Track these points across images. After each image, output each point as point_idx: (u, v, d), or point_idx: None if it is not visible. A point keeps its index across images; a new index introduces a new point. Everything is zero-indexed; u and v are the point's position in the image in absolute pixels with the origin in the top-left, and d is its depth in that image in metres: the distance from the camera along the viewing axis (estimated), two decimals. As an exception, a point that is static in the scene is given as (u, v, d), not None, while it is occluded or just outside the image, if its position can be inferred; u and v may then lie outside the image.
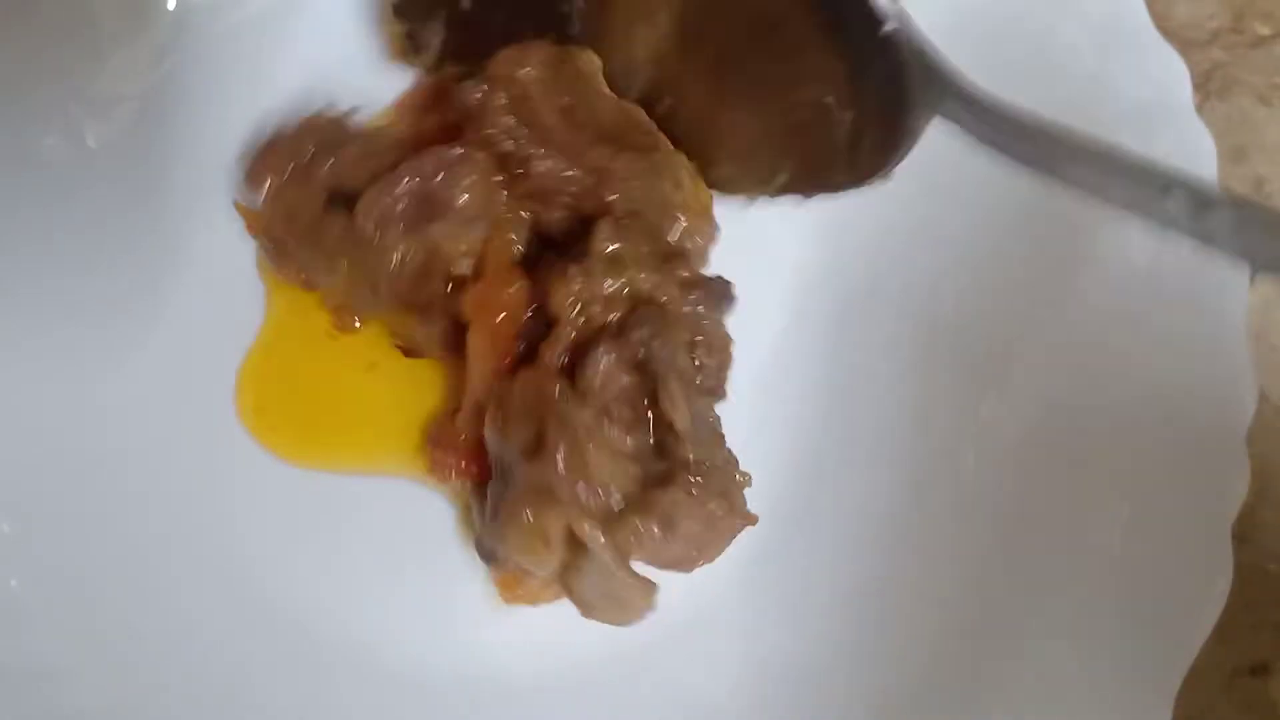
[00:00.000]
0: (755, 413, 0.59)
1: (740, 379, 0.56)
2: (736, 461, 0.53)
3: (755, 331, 0.57)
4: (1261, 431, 0.61)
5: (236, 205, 0.59)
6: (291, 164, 0.57)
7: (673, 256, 0.53)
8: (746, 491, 0.53)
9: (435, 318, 0.55)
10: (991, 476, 0.57)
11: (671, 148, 0.56)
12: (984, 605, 0.55)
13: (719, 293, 0.54)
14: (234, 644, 0.56)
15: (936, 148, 0.50)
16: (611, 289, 0.51)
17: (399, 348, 0.60)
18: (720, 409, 0.55)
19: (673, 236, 0.54)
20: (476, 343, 0.53)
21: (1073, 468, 0.55)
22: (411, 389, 0.60)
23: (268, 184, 0.57)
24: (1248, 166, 0.64)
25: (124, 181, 0.58)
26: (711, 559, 0.52)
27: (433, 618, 0.58)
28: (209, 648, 0.56)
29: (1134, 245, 0.55)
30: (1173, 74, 0.56)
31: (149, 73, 0.59)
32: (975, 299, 0.59)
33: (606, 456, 0.49)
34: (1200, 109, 0.64)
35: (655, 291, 0.52)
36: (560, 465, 0.48)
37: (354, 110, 0.60)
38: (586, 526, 0.48)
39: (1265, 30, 0.66)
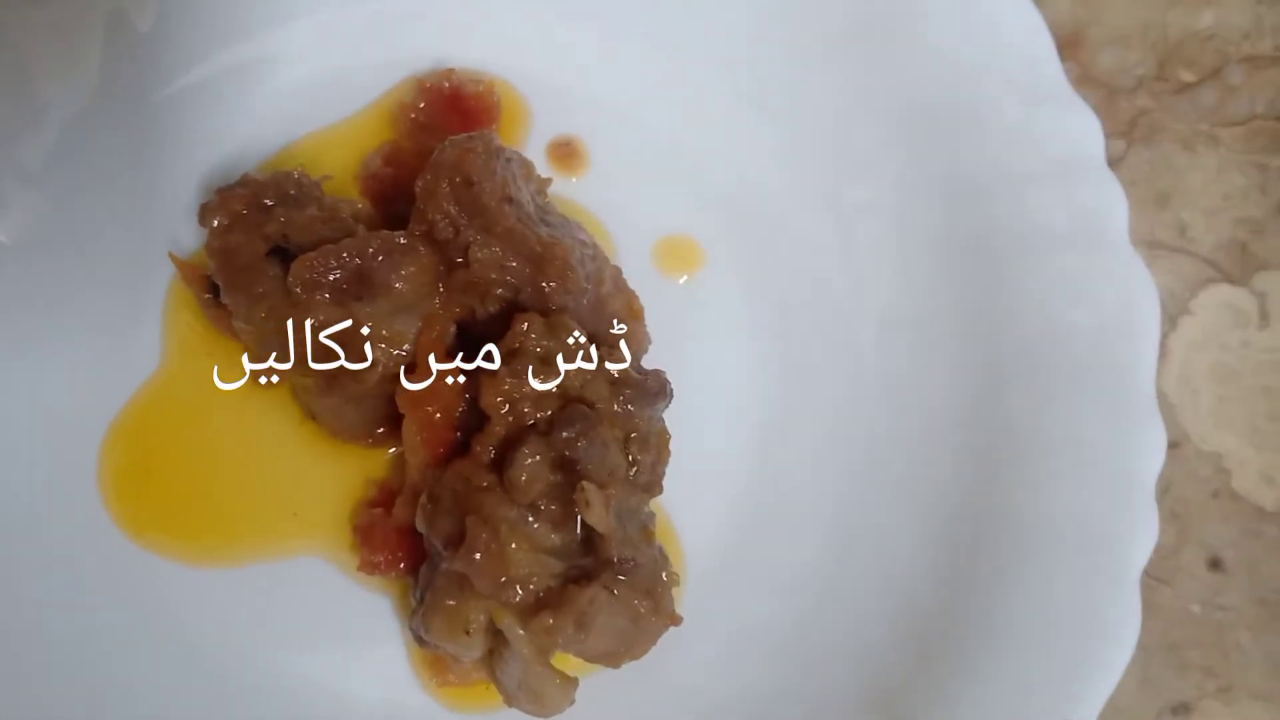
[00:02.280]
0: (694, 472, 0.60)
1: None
2: (667, 559, 0.54)
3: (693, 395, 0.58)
4: (1185, 475, 0.62)
5: (171, 255, 0.59)
6: (245, 209, 0.57)
7: (606, 352, 0.54)
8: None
9: (338, 392, 0.55)
10: (909, 540, 0.58)
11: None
12: (908, 651, 0.56)
13: (654, 389, 0.54)
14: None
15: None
16: (542, 387, 0.52)
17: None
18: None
19: (606, 336, 0.55)
20: (411, 435, 0.54)
21: (987, 524, 0.56)
22: (316, 463, 0.60)
23: (216, 222, 0.57)
24: (1171, 212, 0.65)
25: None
26: (638, 656, 0.53)
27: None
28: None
29: (1049, 301, 0.56)
30: (1088, 130, 0.56)
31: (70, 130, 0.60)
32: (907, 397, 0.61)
33: (528, 551, 0.49)
34: (1125, 155, 0.66)
35: (585, 390, 0.52)
36: (478, 558, 0.49)
37: (325, 178, 0.61)
38: (505, 619, 0.49)
39: (1189, 77, 0.67)
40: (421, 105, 0.65)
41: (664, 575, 0.53)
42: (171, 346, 0.61)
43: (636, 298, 0.59)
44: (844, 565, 0.58)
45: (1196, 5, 0.67)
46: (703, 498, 0.60)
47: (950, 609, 0.55)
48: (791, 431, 0.61)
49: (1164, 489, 0.57)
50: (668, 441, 0.55)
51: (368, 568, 0.56)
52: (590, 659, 0.52)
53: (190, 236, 0.62)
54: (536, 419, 0.52)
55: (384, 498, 0.58)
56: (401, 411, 0.54)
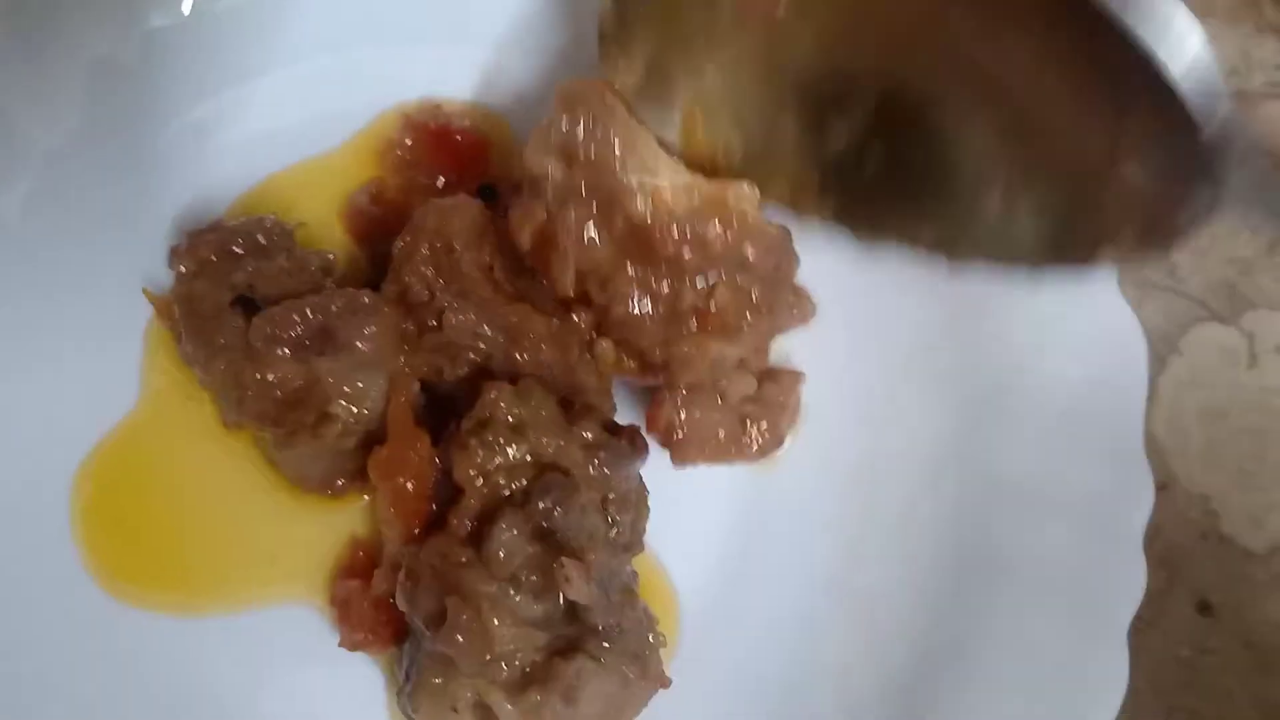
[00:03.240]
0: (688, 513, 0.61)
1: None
2: (653, 618, 0.54)
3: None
4: (1173, 517, 0.62)
5: (146, 293, 0.59)
6: (214, 255, 0.57)
7: (577, 418, 0.53)
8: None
9: (298, 446, 0.55)
10: (896, 588, 0.58)
11: (580, 320, 0.56)
12: (894, 698, 0.56)
13: (628, 449, 0.54)
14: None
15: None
16: (515, 457, 0.51)
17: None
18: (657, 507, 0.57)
19: (578, 398, 0.55)
20: (384, 508, 0.53)
21: (974, 574, 0.56)
22: (295, 507, 0.59)
23: (183, 268, 0.57)
24: (1160, 251, 0.65)
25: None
26: None
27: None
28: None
29: (1037, 349, 0.56)
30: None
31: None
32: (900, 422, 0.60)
33: (511, 626, 0.49)
34: (1114, 193, 0.65)
35: (559, 457, 0.52)
36: (460, 637, 0.48)
37: (299, 224, 0.60)
38: (493, 696, 0.49)
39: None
40: (408, 142, 0.65)
41: (650, 638, 0.53)
42: (149, 386, 0.61)
43: (613, 359, 0.57)
44: (831, 616, 0.58)
45: (1185, 42, 0.67)
46: (692, 545, 0.60)
47: (937, 658, 0.55)
48: (779, 480, 0.61)
49: (1153, 531, 0.56)
50: (646, 498, 0.55)
51: (349, 645, 0.56)
52: None
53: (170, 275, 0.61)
54: (512, 489, 0.51)
55: (360, 566, 0.58)
56: (374, 483, 0.53)
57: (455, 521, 0.51)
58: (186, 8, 0.61)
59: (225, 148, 0.64)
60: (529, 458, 0.52)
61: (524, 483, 0.51)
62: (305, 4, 0.63)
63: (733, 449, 0.58)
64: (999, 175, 0.48)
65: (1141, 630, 0.60)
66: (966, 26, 0.44)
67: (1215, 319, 0.64)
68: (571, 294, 0.54)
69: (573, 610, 0.50)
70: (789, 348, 0.62)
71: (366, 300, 0.54)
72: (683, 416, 0.55)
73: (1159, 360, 0.64)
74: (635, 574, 0.55)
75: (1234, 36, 0.68)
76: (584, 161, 0.54)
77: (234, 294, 0.56)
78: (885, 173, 0.51)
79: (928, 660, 0.55)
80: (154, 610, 0.59)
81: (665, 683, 0.52)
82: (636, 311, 0.54)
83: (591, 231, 0.53)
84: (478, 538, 0.50)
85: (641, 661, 0.51)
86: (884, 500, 0.59)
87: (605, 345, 0.56)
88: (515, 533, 0.50)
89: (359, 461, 0.56)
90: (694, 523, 0.61)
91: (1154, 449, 0.62)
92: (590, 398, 0.56)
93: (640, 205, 0.54)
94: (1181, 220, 0.44)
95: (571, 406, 0.54)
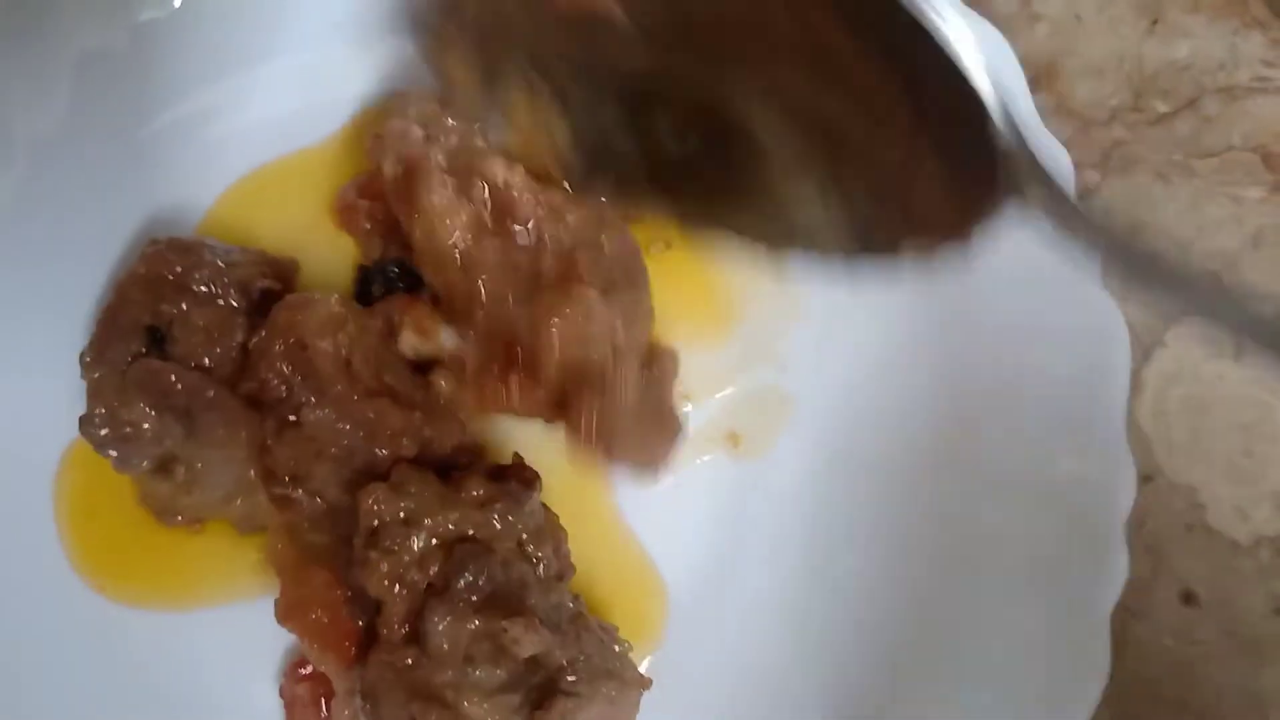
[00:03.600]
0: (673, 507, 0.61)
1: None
2: (613, 630, 0.55)
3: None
4: (1159, 508, 0.62)
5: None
6: (167, 274, 0.57)
7: (460, 482, 0.53)
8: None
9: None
10: (882, 577, 0.58)
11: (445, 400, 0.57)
12: (879, 687, 0.56)
13: (518, 487, 0.54)
14: None
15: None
16: (419, 549, 0.51)
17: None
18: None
19: (456, 460, 0.55)
20: (309, 649, 0.53)
21: (959, 562, 0.56)
22: None
23: (141, 270, 0.58)
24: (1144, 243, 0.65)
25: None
26: None
27: None
28: None
29: (1020, 339, 0.56)
30: (1057, 164, 0.57)
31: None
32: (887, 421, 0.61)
33: (481, 702, 0.49)
34: (1100, 187, 0.66)
35: (460, 527, 0.52)
36: None
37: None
38: None
39: (1164, 108, 0.67)
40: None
41: (616, 649, 0.53)
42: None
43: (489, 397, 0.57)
44: (816, 604, 0.58)
45: (1172, 36, 0.67)
46: (679, 537, 0.61)
47: (921, 646, 0.55)
48: (765, 472, 0.61)
49: (1138, 523, 0.57)
50: (556, 521, 0.55)
51: None
52: None
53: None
54: (430, 578, 0.51)
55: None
56: (288, 629, 0.53)
57: (386, 631, 0.50)
58: (177, 1, 0.62)
59: (213, 140, 0.64)
60: (433, 542, 0.51)
61: (437, 567, 0.51)
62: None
63: (654, 441, 0.57)
64: (810, 173, 0.49)
65: (1127, 621, 0.61)
66: (777, 32, 0.45)
67: (1201, 312, 0.65)
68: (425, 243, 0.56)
69: (534, 660, 0.50)
70: (774, 339, 0.63)
71: (211, 394, 0.55)
72: (599, 422, 0.54)
73: (1144, 353, 0.64)
74: (578, 597, 0.55)
75: (1221, 32, 0.68)
76: (443, 136, 0.57)
77: (152, 321, 0.57)
78: (705, 167, 0.52)
79: (912, 648, 0.56)
80: (140, 605, 0.59)
81: (646, 684, 0.53)
82: (499, 279, 0.55)
83: (449, 196, 0.55)
84: (415, 635, 0.50)
85: (617, 676, 0.52)
86: (868, 490, 0.59)
87: (463, 393, 0.56)
88: (450, 619, 0.49)
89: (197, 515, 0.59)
90: (680, 516, 0.62)
91: (1139, 441, 0.62)
92: (462, 451, 0.56)
93: (499, 171, 0.56)
94: (978, 221, 0.45)
95: (449, 473, 0.54)
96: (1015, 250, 0.57)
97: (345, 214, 0.64)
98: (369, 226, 0.64)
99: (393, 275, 0.62)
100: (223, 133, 0.64)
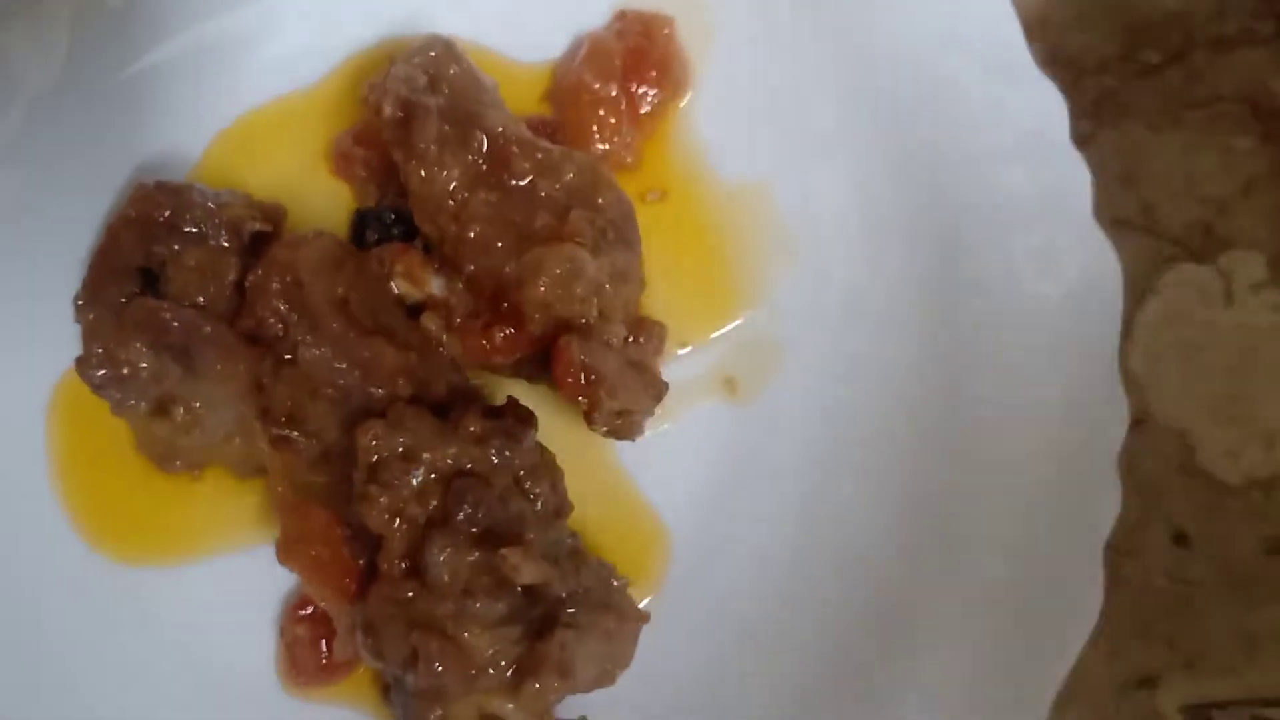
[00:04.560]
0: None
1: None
2: (610, 567, 0.55)
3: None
4: (1150, 450, 0.63)
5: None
6: (156, 215, 0.58)
7: (457, 419, 0.53)
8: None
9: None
10: (876, 517, 0.59)
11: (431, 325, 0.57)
12: (875, 623, 0.57)
13: (515, 423, 0.54)
14: None
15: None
16: (417, 483, 0.51)
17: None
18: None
19: (451, 396, 0.55)
20: (310, 586, 0.54)
21: (950, 496, 0.57)
22: None
23: (131, 213, 0.58)
24: (1135, 192, 0.66)
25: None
26: (627, 665, 0.53)
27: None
28: None
29: (1013, 276, 0.57)
30: (1053, 107, 0.57)
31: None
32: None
33: (482, 634, 0.49)
34: (1092, 136, 0.66)
35: (458, 461, 0.52)
36: (440, 665, 0.49)
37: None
38: (494, 703, 0.49)
39: (1156, 58, 0.67)
40: (381, 80, 0.64)
41: (614, 583, 0.54)
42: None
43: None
44: (813, 539, 0.59)
45: (1162, -13, 0.68)
46: (679, 484, 0.61)
47: (913, 581, 0.56)
48: (762, 417, 0.62)
49: (1129, 465, 0.57)
50: (553, 459, 0.55)
51: (296, 691, 0.58)
52: (589, 690, 0.52)
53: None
54: (429, 513, 0.51)
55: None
56: (289, 568, 0.54)
57: (387, 565, 0.51)
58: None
59: (204, 82, 0.65)
60: (431, 476, 0.52)
61: (436, 501, 0.51)
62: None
63: (636, 391, 0.57)
64: None
65: (1119, 561, 0.61)
66: None
67: (1192, 259, 0.65)
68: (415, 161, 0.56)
69: (532, 593, 0.51)
70: (767, 283, 0.63)
71: (209, 330, 0.56)
72: (584, 358, 0.54)
73: (1136, 299, 0.64)
74: (575, 534, 0.56)
75: (1210, -17, 0.69)
76: (446, 85, 0.58)
77: (144, 262, 0.57)
78: None
79: (906, 586, 0.56)
80: (141, 562, 0.60)
81: (645, 617, 0.53)
82: (491, 232, 0.56)
83: (447, 145, 0.56)
84: (416, 570, 0.50)
85: (615, 609, 0.52)
86: (862, 430, 0.60)
87: (450, 339, 0.57)
88: (450, 550, 0.50)
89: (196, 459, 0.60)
90: (679, 462, 0.62)
91: (1131, 384, 0.62)
92: (457, 393, 0.56)
93: (498, 124, 0.57)
94: None
95: (446, 410, 0.54)
96: (1007, 180, 0.59)
97: (341, 161, 0.65)
98: (364, 174, 0.64)
99: (388, 221, 0.62)
100: (213, 75, 0.65)
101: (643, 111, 0.64)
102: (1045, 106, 0.57)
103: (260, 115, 0.66)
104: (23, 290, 0.61)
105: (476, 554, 0.50)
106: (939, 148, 0.60)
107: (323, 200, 0.65)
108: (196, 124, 0.65)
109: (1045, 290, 0.56)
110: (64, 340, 0.60)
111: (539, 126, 0.64)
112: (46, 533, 0.60)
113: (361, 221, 0.63)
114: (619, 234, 0.58)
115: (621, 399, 0.55)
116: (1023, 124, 0.57)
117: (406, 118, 0.56)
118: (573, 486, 0.57)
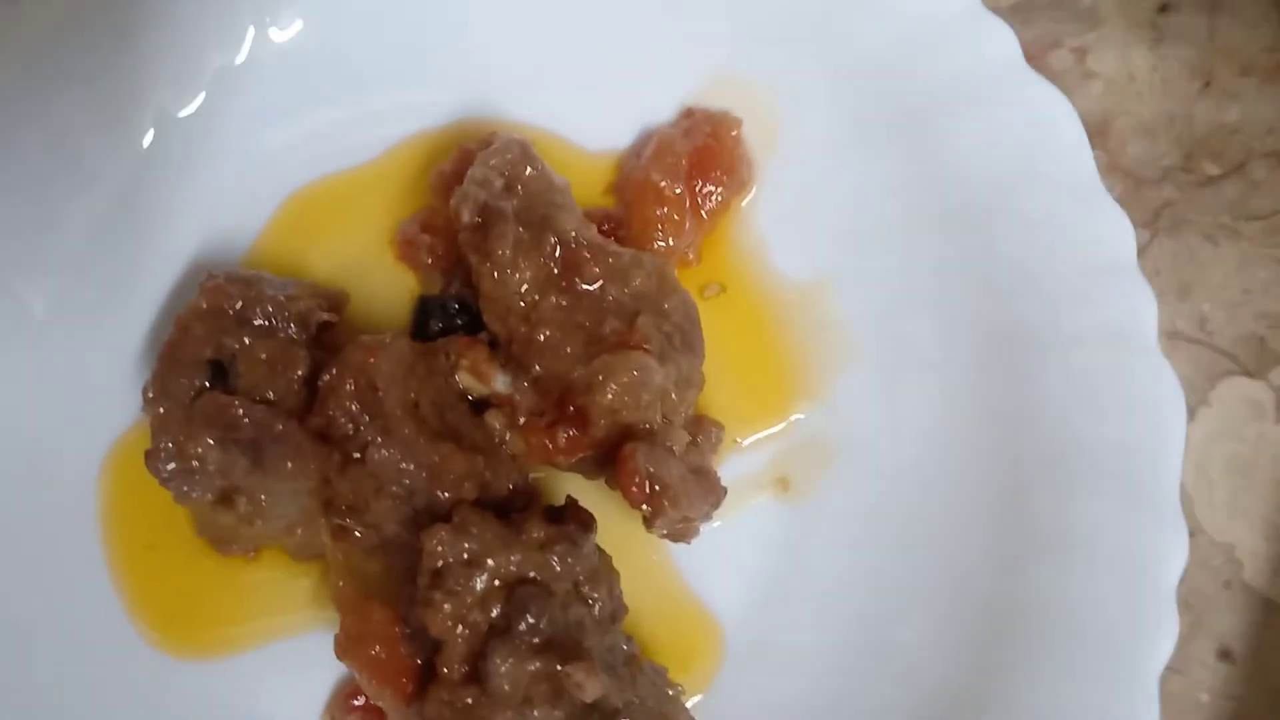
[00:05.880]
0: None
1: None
2: (663, 672, 0.56)
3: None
4: (1197, 565, 0.63)
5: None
6: (227, 308, 0.58)
7: (520, 524, 0.54)
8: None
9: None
10: (927, 629, 0.59)
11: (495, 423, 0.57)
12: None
13: (577, 530, 0.55)
14: None
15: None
16: (481, 589, 0.52)
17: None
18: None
19: (511, 506, 0.56)
20: (368, 685, 0.54)
21: (1008, 621, 0.57)
22: None
23: (203, 305, 0.59)
24: (1192, 303, 0.66)
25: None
26: None
27: None
28: None
29: (1077, 402, 0.58)
30: (1121, 232, 0.58)
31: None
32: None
33: None
34: (1150, 246, 0.67)
35: (521, 568, 0.52)
36: None
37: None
38: None
39: (1214, 170, 0.68)
40: (450, 169, 0.65)
41: (669, 692, 0.54)
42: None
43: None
44: (868, 652, 0.59)
45: (1223, 99, 0.69)
46: (734, 581, 0.62)
47: (969, 704, 0.56)
48: (820, 522, 0.62)
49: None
50: (610, 562, 0.56)
51: None
52: None
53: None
54: (492, 620, 0.52)
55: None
56: (347, 665, 0.54)
57: (447, 670, 0.51)
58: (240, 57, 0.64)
59: (262, 156, 0.66)
60: (495, 583, 0.52)
61: (499, 609, 0.52)
62: (349, 45, 0.66)
63: (698, 498, 0.58)
64: None
65: (1165, 675, 0.62)
66: None
67: (1244, 373, 0.66)
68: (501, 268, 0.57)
69: (591, 703, 0.51)
70: (826, 384, 0.64)
71: (280, 427, 0.56)
72: (651, 469, 0.55)
73: (1189, 411, 0.65)
74: (630, 638, 0.56)
75: (1270, 96, 0.69)
76: (521, 187, 0.59)
77: (215, 355, 0.58)
78: None
79: (960, 704, 0.56)
80: (197, 653, 0.61)
81: None
82: (561, 335, 0.57)
83: (521, 248, 0.57)
84: (475, 675, 0.51)
85: (670, 717, 0.53)
86: (916, 538, 0.60)
87: (513, 437, 0.57)
88: (512, 660, 0.50)
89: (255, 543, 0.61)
90: (730, 559, 0.62)
91: (1181, 497, 0.63)
92: (519, 491, 0.57)
93: (570, 228, 0.58)
94: None
95: (508, 509, 0.55)
96: (1072, 301, 0.59)
97: (406, 247, 0.65)
98: (430, 261, 0.65)
99: (453, 311, 0.63)
100: (276, 147, 0.66)
101: (706, 209, 0.65)
102: (1115, 232, 0.57)
103: (323, 189, 0.67)
104: (82, 358, 0.63)
105: (538, 664, 0.51)
106: (1003, 262, 0.60)
107: (386, 284, 0.65)
108: (258, 196, 0.66)
109: (1107, 416, 0.56)
110: (121, 406, 0.62)
111: (604, 220, 0.65)
112: (98, 613, 0.60)
113: (425, 309, 0.63)
114: (684, 339, 0.59)
115: (683, 508, 0.56)
116: (1091, 248, 0.58)
117: (485, 224, 0.57)
118: (626, 584, 0.57)
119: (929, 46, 0.61)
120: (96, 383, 0.63)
